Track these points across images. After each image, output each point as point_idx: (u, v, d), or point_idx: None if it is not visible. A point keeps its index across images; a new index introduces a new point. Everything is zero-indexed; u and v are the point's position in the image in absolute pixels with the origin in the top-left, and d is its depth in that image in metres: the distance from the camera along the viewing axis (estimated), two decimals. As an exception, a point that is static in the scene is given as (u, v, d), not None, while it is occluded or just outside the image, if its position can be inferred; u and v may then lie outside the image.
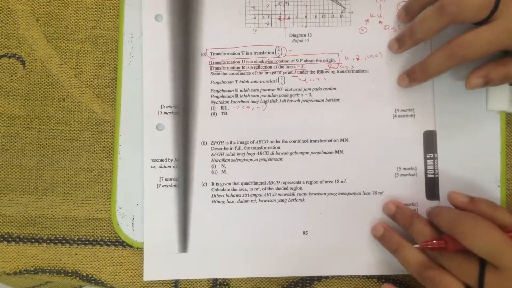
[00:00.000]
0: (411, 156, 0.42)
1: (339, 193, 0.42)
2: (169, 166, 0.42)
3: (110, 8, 0.43)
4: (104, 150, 0.42)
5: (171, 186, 0.41)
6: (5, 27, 0.43)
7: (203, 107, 0.42)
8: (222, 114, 0.42)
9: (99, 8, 0.43)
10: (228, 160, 0.42)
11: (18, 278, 0.42)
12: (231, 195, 0.42)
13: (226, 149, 0.42)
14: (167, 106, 0.42)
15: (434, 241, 0.36)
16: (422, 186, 0.42)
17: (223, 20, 0.42)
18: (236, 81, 0.42)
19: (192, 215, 0.41)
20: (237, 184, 0.42)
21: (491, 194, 0.41)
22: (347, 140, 0.42)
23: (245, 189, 0.42)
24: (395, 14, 0.42)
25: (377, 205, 0.41)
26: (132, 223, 0.41)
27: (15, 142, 0.42)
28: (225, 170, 0.42)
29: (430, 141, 0.42)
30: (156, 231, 0.41)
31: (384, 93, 0.42)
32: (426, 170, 0.42)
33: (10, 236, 0.42)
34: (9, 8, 0.43)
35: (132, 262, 0.42)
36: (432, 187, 0.41)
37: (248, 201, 0.42)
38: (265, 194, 0.42)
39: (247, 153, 0.42)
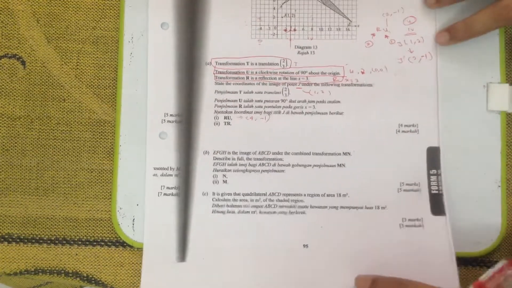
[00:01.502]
0: (414, 171, 0.41)
1: (341, 207, 0.41)
2: (171, 175, 0.41)
3: (111, 9, 0.43)
4: (104, 150, 0.42)
5: (172, 194, 0.41)
6: (5, 27, 0.43)
7: (206, 116, 0.42)
8: (225, 124, 0.42)
9: (100, 8, 0.43)
10: (230, 170, 0.41)
11: (19, 278, 0.42)
12: (232, 206, 0.41)
13: (228, 159, 0.41)
14: (171, 115, 0.42)
15: None
16: (426, 201, 0.41)
17: (229, 30, 0.42)
18: (240, 91, 0.42)
19: (192, 225, 0.41)
20: (238, 194, 0.41)
21: (491, 194, 0.41)
22: (349, 154, 0.41)
23: (246, 200, 0.41)
24: (401, 28, 0.42)
25: (380, 220, 0.41)
26: (133, 224, 0.41)
27: (16, 143, 0.42)
28: (226, 180, 0.41)
29: (433, 157, 0.41)
30: (155, 240, 0.41)
31: (388, 108, 0.42)
32: (430, 186, 0.41)
33: (10, 236, 0.42)
34: (9, 8, 0.43)
35: (133, 263, 0.42)
36: (436, 203, 0.41)
37: (248, 212, 0.41)
38: (265, 206, 0.41)
39: (249, 164, 0.41)
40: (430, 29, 0.42)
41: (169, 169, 0.41)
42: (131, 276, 0.42)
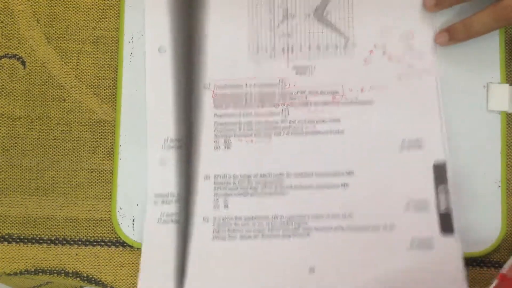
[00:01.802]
0: (421, 188, 0.40)
1: (347, 228, 0.40)
2: (171, 202, 0.41)
3: (111, 9, 0.43)
4: (104, 150, 0.42)
5: (172, 221, 0.40)
6: (5, 27, 0.43)
7: (206, 140, 0.41)
8: (225, 148, 0.41)
9: (100, 8, 0.43)
10: (231, 194, 0.40)
11: (19, 278, 0.42)
12: (233, 230, 0.40)
13: (229, 183, 0.41)
14: (171, 140, 0.41)
15: None
16: (434, 219, 0.40)
17: (226, 52, 0.42)
18: (240, 113, 0.41)
19: (191, 253, 0.40)
20: (240, 219, 0.40)
21: (491, 194, 0.41)
22: (352, 173, 0.41)
23: (248, 224, 0.40)
24: (399, 44, 0.42)
25: (387, 240, 0.40)
26: (133, 224, 0.41)
27: (16, 143, 0.42)
28: (227, 205, 0.40)
29: (440, 173, 0.41)
30: (153, 269, 0.40)
31: (389, 124, 0.41)
32: (438, 203, 0.40)
33: (10, 236, 0.42)
34: (9, 8, 0.43)
35: (133, 263, 0.42)
36: (445, 220, 0.40)
37: (250, 236, 0.40)
38: (268, 229, 0.40)
39: (250, 187, 0.41)
40: (429, 44, 0.42)
41: (169, 195, 0.41)
42: (131, 276, 0.42)
